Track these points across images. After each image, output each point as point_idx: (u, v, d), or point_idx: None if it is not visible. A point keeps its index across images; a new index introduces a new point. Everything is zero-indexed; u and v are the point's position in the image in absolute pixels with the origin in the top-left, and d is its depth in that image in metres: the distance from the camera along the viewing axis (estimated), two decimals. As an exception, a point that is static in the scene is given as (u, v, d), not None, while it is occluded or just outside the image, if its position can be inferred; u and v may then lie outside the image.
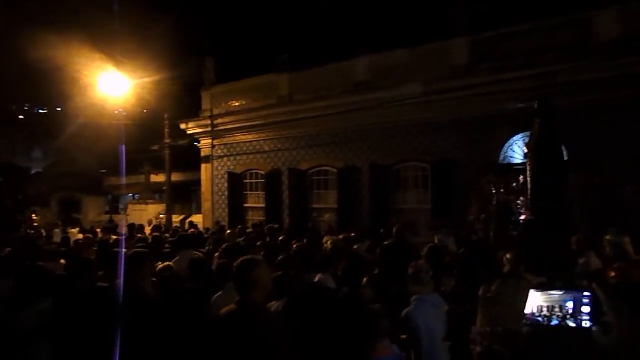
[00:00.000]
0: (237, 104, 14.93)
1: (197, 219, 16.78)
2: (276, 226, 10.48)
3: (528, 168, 5.53)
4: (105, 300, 4.14)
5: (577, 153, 7.36)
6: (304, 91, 13.24)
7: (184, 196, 23.77)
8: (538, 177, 5.11)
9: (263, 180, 14.56)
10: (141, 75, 15.41)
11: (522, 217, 6.97)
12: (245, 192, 15.06)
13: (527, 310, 2.06)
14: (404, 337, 3.58)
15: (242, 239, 7.59)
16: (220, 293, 4.15)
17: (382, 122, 11.77)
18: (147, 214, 17.73)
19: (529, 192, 5.21)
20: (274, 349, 2.94)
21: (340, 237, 8.04)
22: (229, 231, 9.54)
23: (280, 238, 7.43)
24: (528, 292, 2.08)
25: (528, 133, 10.37)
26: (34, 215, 9.37)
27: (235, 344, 2.92)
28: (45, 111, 38.54)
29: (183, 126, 15.87)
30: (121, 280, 3.88)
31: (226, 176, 15.28)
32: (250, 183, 14.98)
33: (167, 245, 6.75)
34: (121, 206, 23.59)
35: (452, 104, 10.64)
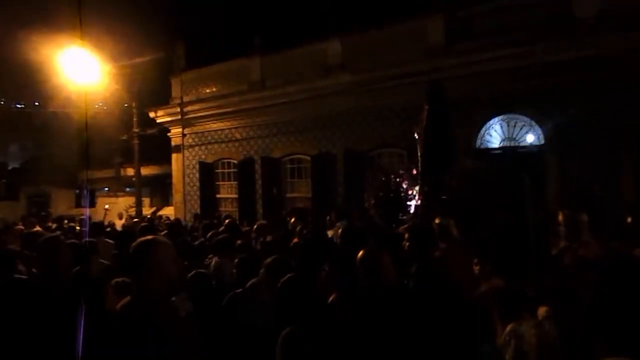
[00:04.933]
0: (207, 91, 14.30)
1: (169, 211, 16.20)
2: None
3: (419, 154, 5.53)
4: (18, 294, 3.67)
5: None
6: (275, 76, 12.65)
7: (160, 189, 23.12)
8: (427, 164, 5.21)
9: (235, 170, 13.98)
10: (108, 62, 14.67)
11: (413, 203, 6.63)
12: (218, 183, 14.47)
13: None
14: None
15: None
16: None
17: (356, 106, 11.25)
18: (117, 207, 17.07)
19: (419, 178, 5.20)
20: (176, 351, 2.43)
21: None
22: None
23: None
24: None
25: (507, 115, 10.11)
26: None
27: (129, 345, 2.39)
28: (23, 106, 37.52)
29: (152, 114, 15.20)
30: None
31: (197, 166, 14.67)
32: (223, 173, 14.39)
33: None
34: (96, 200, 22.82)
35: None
